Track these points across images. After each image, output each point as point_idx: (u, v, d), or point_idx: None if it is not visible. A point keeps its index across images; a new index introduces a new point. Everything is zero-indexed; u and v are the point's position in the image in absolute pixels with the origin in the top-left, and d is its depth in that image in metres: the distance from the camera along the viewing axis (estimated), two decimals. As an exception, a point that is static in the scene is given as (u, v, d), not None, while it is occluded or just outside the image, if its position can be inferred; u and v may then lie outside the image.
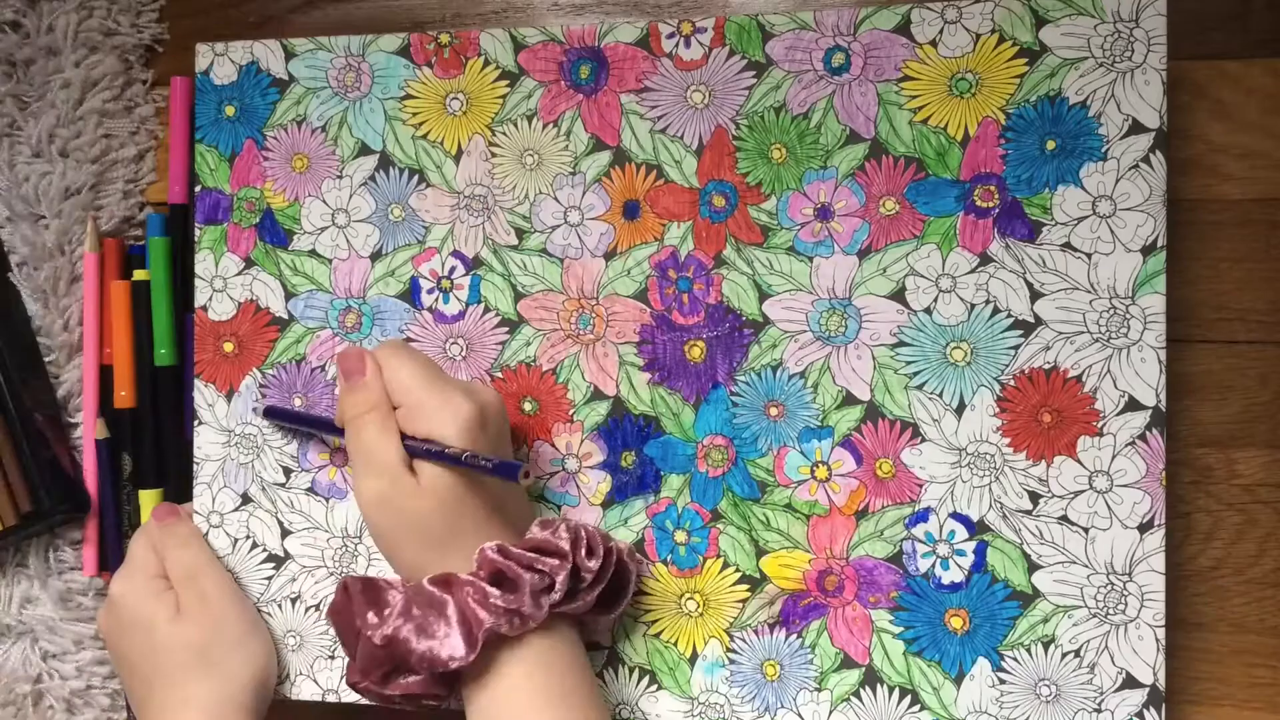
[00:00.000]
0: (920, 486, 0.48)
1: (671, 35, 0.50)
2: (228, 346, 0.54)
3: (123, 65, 0.59)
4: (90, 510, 0.59)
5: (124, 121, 0.59)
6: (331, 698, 0.52)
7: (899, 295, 0.48)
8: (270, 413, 0.53)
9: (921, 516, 0.48)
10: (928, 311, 0.48)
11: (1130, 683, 0.46)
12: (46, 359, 0.59)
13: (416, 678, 0.44)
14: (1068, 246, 0.47)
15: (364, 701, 0.52)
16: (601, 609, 0.47)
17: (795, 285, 0.49)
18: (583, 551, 0.45)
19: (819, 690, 0.49)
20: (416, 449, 0.45)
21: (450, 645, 0.43)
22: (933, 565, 0.48)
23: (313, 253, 0.53)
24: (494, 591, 0.43)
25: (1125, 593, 0.46)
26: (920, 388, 0.48)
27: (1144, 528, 0.46)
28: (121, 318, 0.57)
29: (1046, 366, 0.47)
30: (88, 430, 0.58)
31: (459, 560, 0.45)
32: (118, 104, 0.59)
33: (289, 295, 0.54)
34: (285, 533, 0.53)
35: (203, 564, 0.52)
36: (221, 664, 0.50)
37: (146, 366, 0.57)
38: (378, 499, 0.45)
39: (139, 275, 0.57)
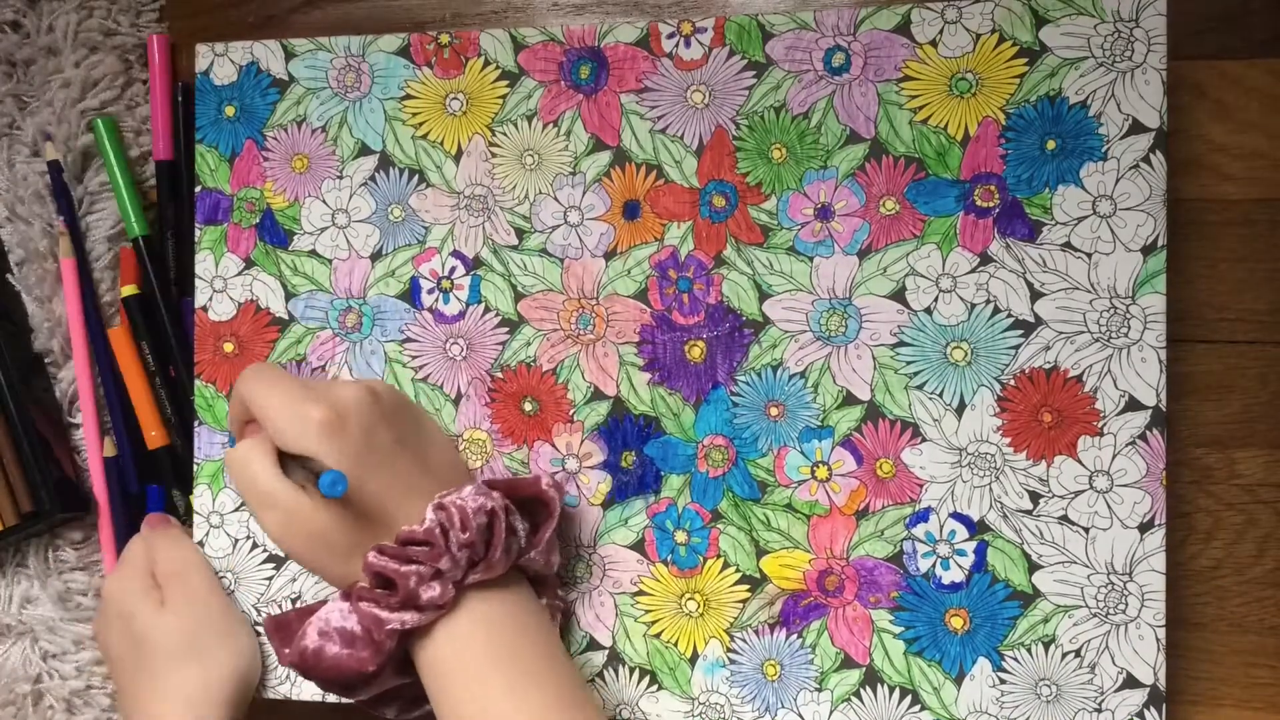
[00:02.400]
0: (920, 486, 0.48)
1: (671, 35, 0.50)
2: (228, 347, 0.54)
3: (123, 65, 0.59)
4: (90, 511, 0.59)
5: (124, 122, 0.59)
6: (331, 698, 0.52)
7: (899, 295, 0.48)
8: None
9: (922, 516, 0.48)
10: (928, 311, 0.48)
11: (1131, 683, 0.46)
12: (46, 359, 0.59)
13: (368, 691, 0.45)
14: (1068, 246, 0.47)
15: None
16: (535, 553, 0.46)
17: (795, 285, 0.49)
18: (455, 530, 0.43)
19: (819, 690, 0.49)
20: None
21: (358, 653, 0.43)
22: (933, 565, 0.48)
23: (313, 253, 0.53)
24: (380, 593, 0.43)
25: (1126, 593, 0.46)
26: (920, 388, 0.48)
27: (1144, 528, 0.46)
28: (131, 367, 0.57)
29: (1047, 366, 0.47)
30: (90, 435, 0.58)
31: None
32: (118, 104, 0.59)
33: (289, 295, 0.54)
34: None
35: (191, 561, 0.53)
36: (204, 655, 0.50)
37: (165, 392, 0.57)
38: (279, 531, 0.44)
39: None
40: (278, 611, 0.53)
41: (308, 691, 0.53)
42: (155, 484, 0.57)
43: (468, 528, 0.43)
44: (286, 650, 0.45)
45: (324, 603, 0.45)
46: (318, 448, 0.43)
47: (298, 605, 0.53)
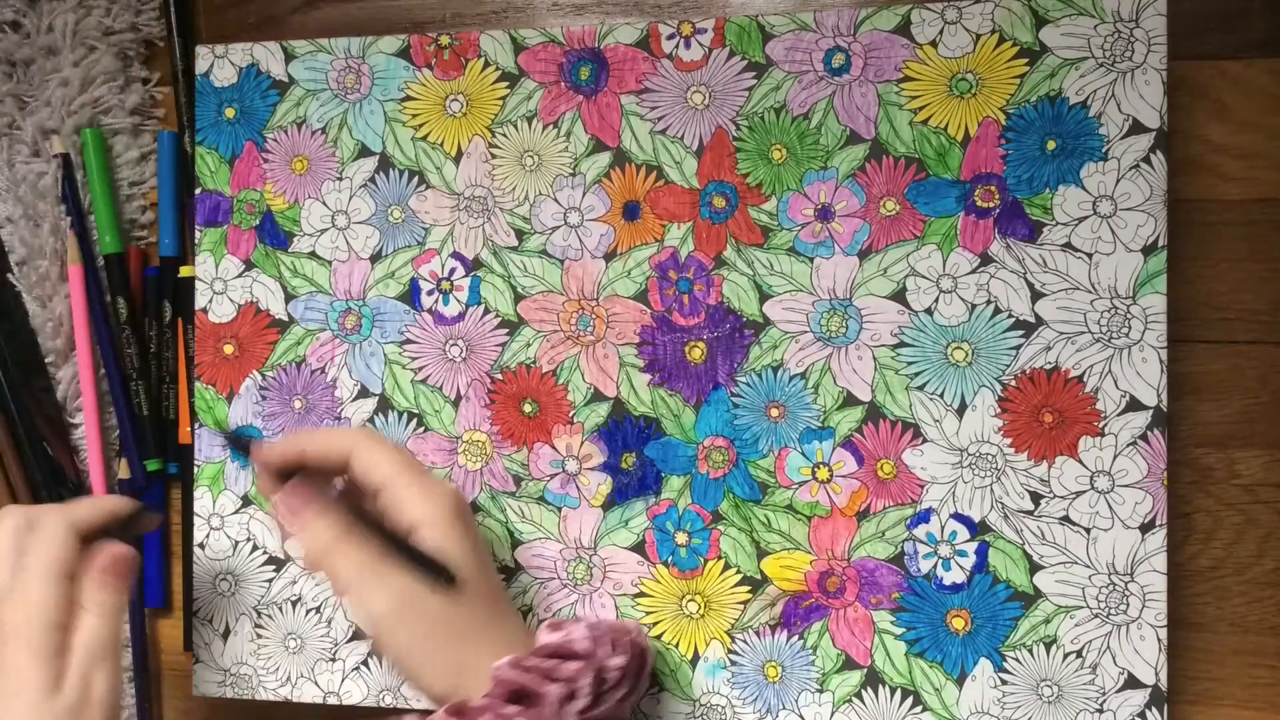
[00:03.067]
0: (921, 487, 0.48)
1: (671, 36, 0.50)
2: (228, 349, 0.54)
3: (122, 64, 0.59)
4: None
5: (124, 121, 0.59)
6: (332, 700, 0.52)
7: (900, 296, 0.48)
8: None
9: (923, 517, 0.48)
10: (928, 312, 0.48)
11: (1132, 683, 0.46)
12: (46, 359, 0.59)
13: None
14: (1068, 246, 0.47)
15: (364, 704, 0.52)
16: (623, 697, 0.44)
17: (796, 286, 0.49)
18: (606, 649, 0.42)
19: (821, 691, 0.49)
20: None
21: None
22: (934, 566, 0.48)
23: (313, 254, 0.53)
24: (513, 709, 0.39)
25: (1127, 593, 0.46)
26: (921, 388, 0.48)
27: (1145, 528, 0.46)
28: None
29: (1048, 367, 0.47)
30: (91, 438, 0.58)
31: (485, 660, 0.42)
32: (117, 103, 0.59)
33: (289, 297, 0.53)
34: (286, 534, 0.53)
35: (110, 651, 0.44)
36: None
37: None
38: (387, 615, 0.42)
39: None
40: (280, 616, 0.53)
41: (308, 694, 0.53)
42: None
43: (620, 650, 0.42)
44: None
45: (418, 714, 0.42)
46: (447, 529, 0.42)
47: (297, 608, 0.53)
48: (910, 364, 0.48)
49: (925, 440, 0.48)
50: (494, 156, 0.52)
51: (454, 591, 0.42)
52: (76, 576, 0.44)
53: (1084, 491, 0.47)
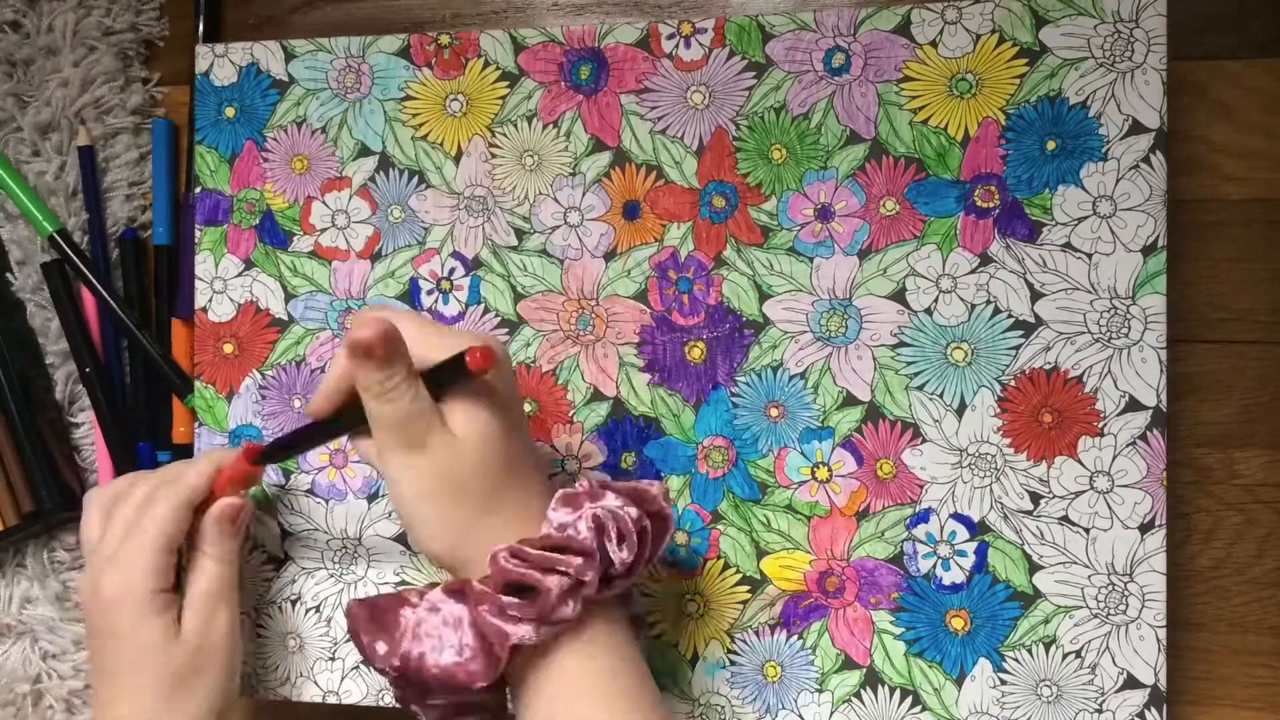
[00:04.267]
0: (921, 487, 0.48)
1: (671, 36, 0.50)
2: (228, 348, 0.54)
3: (122, 64, 0.59)
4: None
5: (125, 121, 0.59)
6: (332, 699, 0.52)
7: (899, 296, 0.48)
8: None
9: (922, 517, 0.48)
10: (928, 312, 0.48)
11: (1131, 683, 0.46)
12: (46, 359, 0.59)
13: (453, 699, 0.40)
14: (1068, 247, 0.47)
15: (364, 703, 0.52)
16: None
17: (795, 286, 0.49)
18: (612, 540, 0.40)
19: (820, 691, 0.49)
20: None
21: (470, 665, 0.39)
22: (934, 566, 0.48)
23: (312, 254, 0.53)
24: (511, 601, 0.39)
25: (1126, 593, 0.46)
26: (921, 388, 0.48)
27: (1145, 528, 0.46)
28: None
29: (1047, 367, 0.47)
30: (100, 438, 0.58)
31: (500, 524, 0.41)
32: (117, 102, 0.59)
33: (289, 296, 0.54)
34: (285, 534, 0.53)
35: (228, 593, 0.48)
36: (196, 696, 0.47)
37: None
38: (414, 470, 0.40)
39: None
40: (280, 615, 0.53)
41: (308, 693, 0.53)
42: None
43: (627, 543, 0.40)
44: (380, 647, 0.40)
45: (419, 590, 0.41)
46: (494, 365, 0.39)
47: (297, 607, 0.53)
48: (910, 364, 0.48)
49: (925, 440, 0.48)
50: (494, 156, 0.52)
51: (474, 446, 0.40)
52: (193, 530, 0.48)
53: (1083, 492, 0.47)
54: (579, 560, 0.39)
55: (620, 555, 0.40)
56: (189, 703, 0.46)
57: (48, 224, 0.57)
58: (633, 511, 0.41)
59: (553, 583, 0.38)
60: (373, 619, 0.41)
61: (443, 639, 0.39)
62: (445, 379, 0.40)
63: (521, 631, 0.38)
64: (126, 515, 0.47)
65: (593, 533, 0.40)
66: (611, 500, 0.41)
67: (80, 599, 0.49)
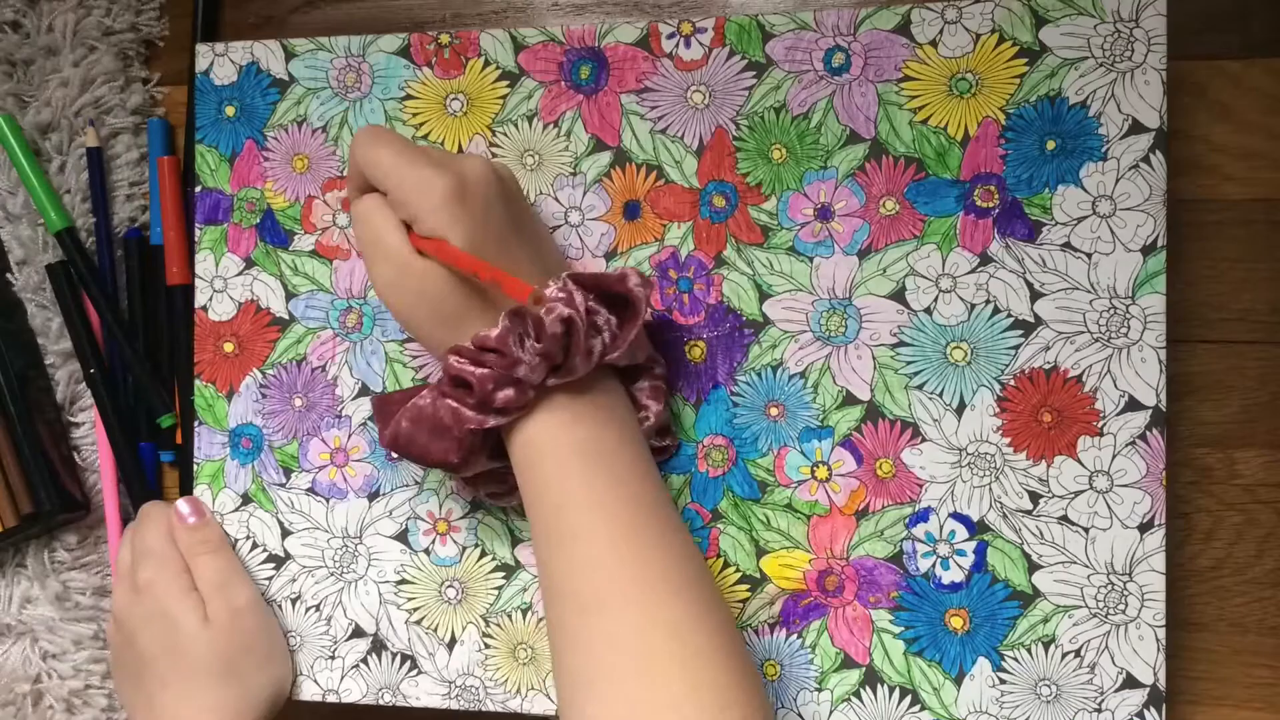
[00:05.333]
0: (920, 486, 0.48)
1: (671, 36, 0.50)
2: (228, 347, 0.54)
3: (122, 64, 0.59)
4: (90, 512, 0.59)
5: (126, 121, 0.59)
6: (332, 698, 0.52)
7: (899, 295, 0.48)
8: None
9: (922, 516, 0.48)
10: (928, 311, 0.48)
11: (1130, 683, 0.46)
12: (45, 359, 0.59)
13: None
14: (1068, 246, 0.47)
15: (364, 702, 0.52)
16: (618, 353, 0.45)
17: (795, 285, 0.49)
18: (530, 340, 0.43)
19: (819, 690, 0.49)
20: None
21: (435, 445, 0.44)
22: (933, 565, 0.48)
23: (313, 253, 0.53)
24: (459, 391, 0.44)
25: (1125, 593, 0.46)
26: (920, 388, 0.48)
27: (1144, 528, 0.46)
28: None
29: (1047, 366, 0.47)
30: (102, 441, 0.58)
31: (481, 327, 0.45)
32: (117, 102, 0.59)
33: (289, 295, 0.54)
34: (285, 533, 0.53)
35: (234, 575, 0.52)
36: (243, 679, 0.50)
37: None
38: (388, 284, 0.45)
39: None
40: (280, 614, 0.53)
41: (307, 692, 0.53)
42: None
43: (542, 337, 0.43)
44: (386, 430, 0.45)
45: (424, 387, 0.46)
46: (439, 217, 0.43)
47: (297, 605, 0.53)
48: (909, 363, 0.48)
49: (924, 439, 0.48)
50: (494, 156, 0.52)
51: (451, 271, 0.44)
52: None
53: (1083, 491, 0.47)
54: (497, 355, 0.43)
55: (536, 348, 0.43)
56: (239, 685, 0.50)
57: (59, 220, 0.57)
58: (555, 309, 0.43)
59: (484, 374, 0.43)
60: (379, 409, 0.47)
61: (423, 422, 0.44)
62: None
63: (476, 418, 0.43)
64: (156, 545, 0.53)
65: (506, 331, 0.43)
66: (551, 291, 0.44)
67: (117, 604, 0.53)
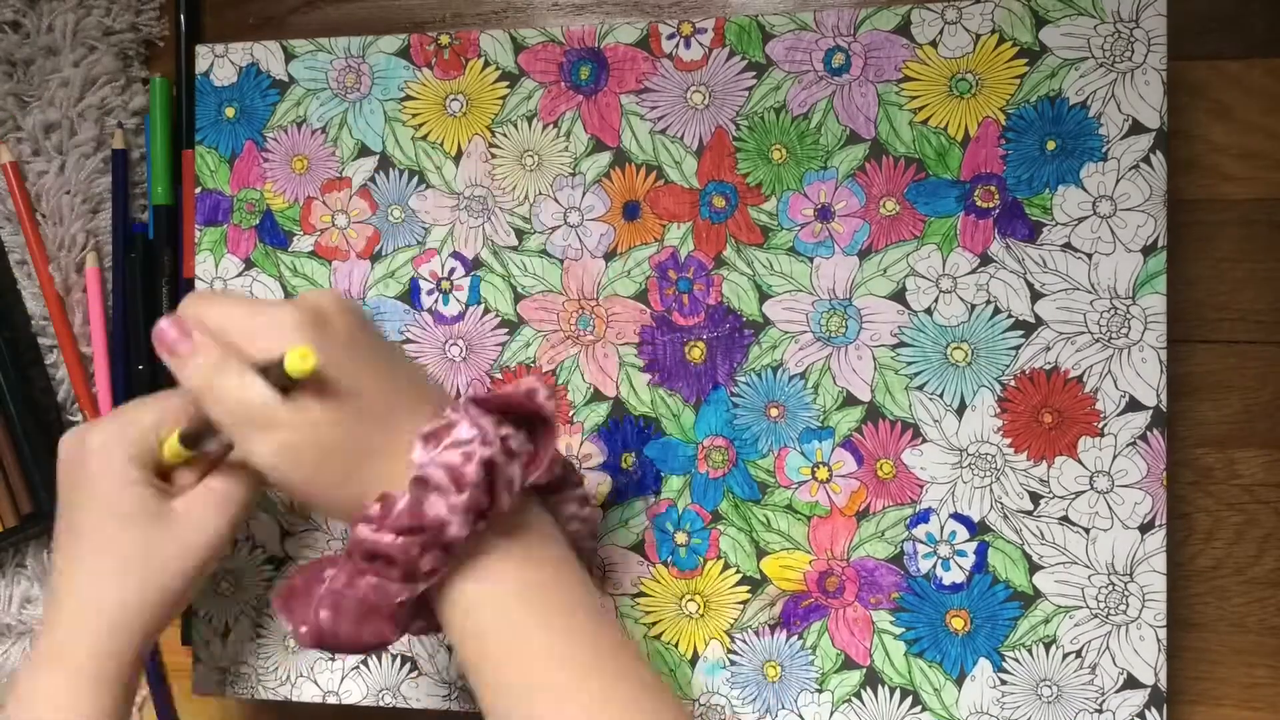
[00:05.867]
0: (921, 487, 0.48)
1: (671, 36, 0.50)
2: (228, 348, 0.54)
3: (122, 64, 0.59)
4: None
5: (126, 121, 0.59)
6: (332, 699, 0.52)
7: (899, 296, 0.48)
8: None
9: (922, 517, 0.48)
10: (928, 312, 0.48)
11: (1131, 683, 0.46)
12: (46, 360, 0.59)
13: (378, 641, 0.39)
14: (1068, 247, 0.47)
15: (364, 703, 0.52)
16: (537, 474, 0.40)
17: (795, 286, 0.49)
18: (450, 494, 0.37)
19: (820, 691, 0.49)
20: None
21: (367, 629, 0.39)
22: (934, 566, 0.48)
23: (312, 254, 0.53)
24: (379, 565, 0.38)
25: (1126, 593, 0.46)
26: (921, 388, 0.48)
27: (1145, 528, 0.46)
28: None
29: (1047, 367, 0.47)
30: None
31: (382, 472, 0.39)
32: (118, 103, 0.59)
33: (288, 296, 0.53)
34: (285, 534, 0.53)
35: (244, 489, 0.45)
36: (166, 572, 0.44)
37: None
38: (283, 454, 0.38)
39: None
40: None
41: (307, 693, 0.53)
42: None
43: (463, 486, 0.37)
44: (303, 628, 0.39)
45: (327, 560, 0.40)
46: (300, 336, 0.38)
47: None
48: (910, 364, 0.48)
49: (925, 440, 0.48)
50: (494, 156, 0.52)
51: (329, 405, 0.38)
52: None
53: (1083, 492, 0.47)
54: (406, 539, 0.37)
55: (459, 500, 0.37)
56: (158, 575, 0.43)
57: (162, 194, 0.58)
58: (468, 451, 0.38)
59: (404, 543, 0.37)
60: (288, 602, 0.40)
61: (344, 607, 0.38)
62: (277, 379, 0.38)
63: (394, 588, 0.38)
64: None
65: (415, 501, 0.37)
66: (455, 434, 0.38)
67: (60, 456, 0.45)
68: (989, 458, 0.47)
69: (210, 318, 0.40)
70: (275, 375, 0.37)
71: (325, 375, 0.38)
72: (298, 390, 0.38)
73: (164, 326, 0.39)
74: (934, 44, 0.48)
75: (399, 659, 0.52)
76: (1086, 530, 0.47)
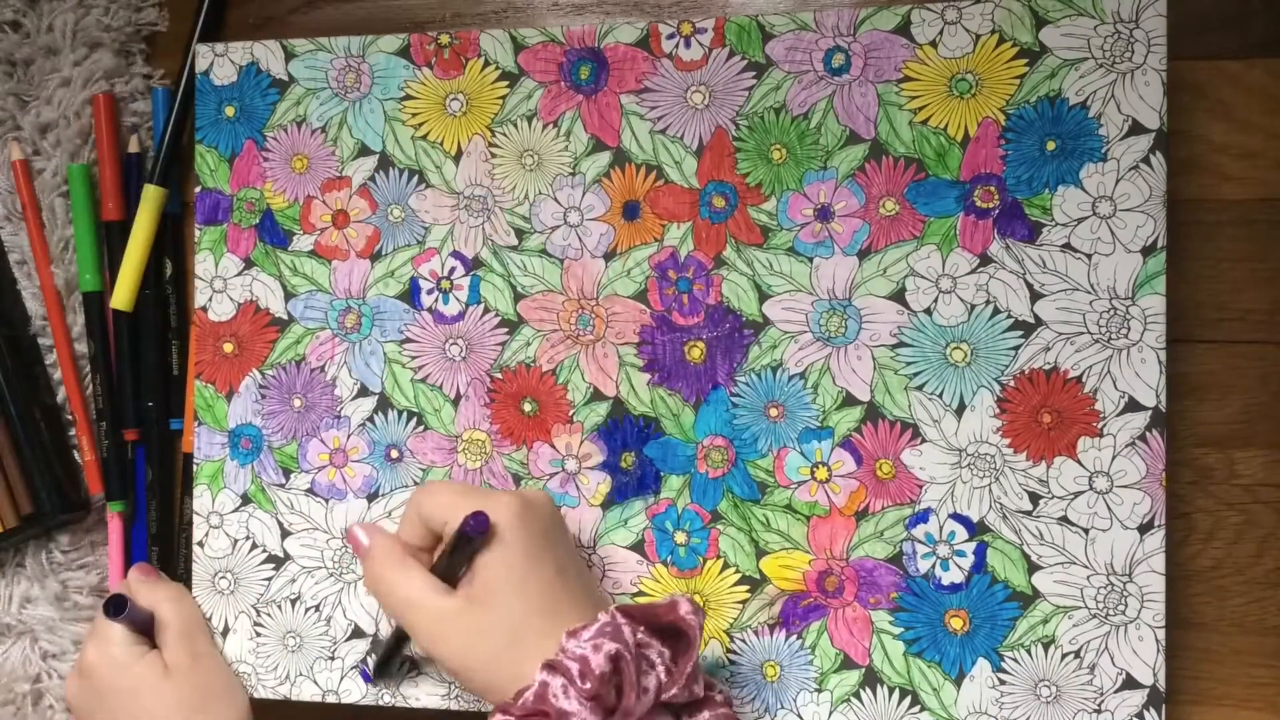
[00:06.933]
0: (920, 487, 0.48)
1: (671, 36, 0.50)
2: (227, 347, 0.54)
3: (122, 63, 0.59)
4: (89, 512, 0.59)
5: (124, 120, 0.59)
6: (331, 698, 0.52)
7: (899, 296, 0.48)
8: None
9: (921, 517, 0.48)
10: (928, 312, 0.48)
11: (1130, 683, 0.46)
12: (46, 361, 0.59)
13: None
14: (1068, 247, 0.47)
15: (363, 703, 0.52)
16: (677, 688, 0.43)
17: (795, 286, 0.49)
18: (576, 683, 0.40)
19: (819, 691, 0.49)
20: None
21: None
22: (933, 566, 0.48)
23: (312, 253, 0.53)
24: None
25: (1125, 593, 0.46)
26: (920, 388, 0.48)
27: (1144, 528, 0.46)
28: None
29: (1046, 367, 0.47)
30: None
31: (534, 653, 0.42)
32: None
33: (289, 296, 0.54)
34: (285, 534, 0.53)
35: (198, 621, 0.53)
36: (213, 717, 0.51)
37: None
38: (430, 637, 0.44)
39: None
40: (279, 614, 0.53)
41: (307, 692, 0.53)
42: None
43: (588, 678, 0.40)
44: None
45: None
46: (507, 523, 0.43)
47: (296, 606, 0.53)
48: (909, 364, 0.48)
49: (924, 440, 0.48)
50: (494, 156, 0.52)
51: (484, 601, 0.43)
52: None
53: (1083, 492, 0.47)
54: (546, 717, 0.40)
55: (585, 689, 0.40)
56: None
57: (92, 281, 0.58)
58: (601, 644, 0.41)
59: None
60: None
61: None
62: (463, 549, 0.44)
63: None
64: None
65: (543, 686, 0.40)
66: (588, 634, 0.41)
67: (70, 693, 0.53)
68: (988, 458, 0.47)
69: (439, 497, 0.46)
70: (462, 550, 0.44)
71: (506, 556, 0.43)
72: (470, 571, 0.44)
73: (352, 531, 0.48)
74: (934, 44, 0.48)
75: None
76: (1086, 530, 0.47)
